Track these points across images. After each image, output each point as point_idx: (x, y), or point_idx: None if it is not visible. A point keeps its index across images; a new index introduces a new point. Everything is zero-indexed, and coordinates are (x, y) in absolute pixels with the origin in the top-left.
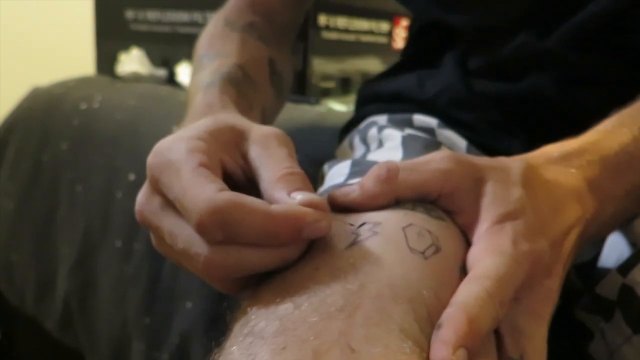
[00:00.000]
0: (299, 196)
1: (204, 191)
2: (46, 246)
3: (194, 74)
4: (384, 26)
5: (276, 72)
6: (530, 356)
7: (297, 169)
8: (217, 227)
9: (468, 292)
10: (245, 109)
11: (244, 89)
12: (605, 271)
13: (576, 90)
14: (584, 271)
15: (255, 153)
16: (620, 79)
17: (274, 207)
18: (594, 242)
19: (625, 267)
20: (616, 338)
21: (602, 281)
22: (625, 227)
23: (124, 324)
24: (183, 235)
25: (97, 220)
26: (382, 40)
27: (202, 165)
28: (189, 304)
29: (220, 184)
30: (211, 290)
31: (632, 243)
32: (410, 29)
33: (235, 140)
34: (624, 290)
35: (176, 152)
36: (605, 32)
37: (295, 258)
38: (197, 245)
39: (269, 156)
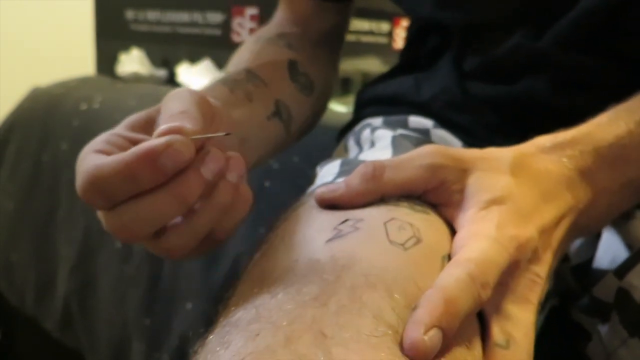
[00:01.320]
0: (159, 129)
1: (80, 170)
2: (46, 246)
3: None
4: (384, 26)
5: (299, 72)
6: (517, 341)
7: (176, 110)
8: (94, 196)
9: (448, 275)
10: (239, 99)
11: (243, 85)
12: (601, 272)
13: (572, 93)
14: (580, 272)
15: (160, 120)
16: (617, 82)
17: (126, 152)
18: (589, 237)
19: (621, 270)
20: (613, 340)
21: (599, 283)
22: (620, 227)
23: (124, 325)
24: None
25: (97, 221)
26: (382, 40)
27: (95, 151)
28: (189, 305)
29: (92, 159)
30: (211, 291)
31: (628, 244)
32: (408, 31)
33: (150, 121)
34: (621, 293)
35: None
36: (600, 33)
37: (190, 197)
38: (102, 218)
39: (163, 115)
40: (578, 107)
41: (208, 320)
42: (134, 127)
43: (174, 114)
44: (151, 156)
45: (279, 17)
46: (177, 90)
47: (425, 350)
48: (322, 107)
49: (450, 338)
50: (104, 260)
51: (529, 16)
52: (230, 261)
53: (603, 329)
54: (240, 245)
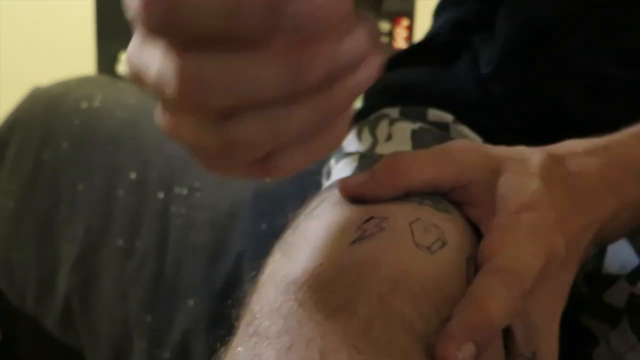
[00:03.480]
0: None
1: None
2: (47, 245)
3: None
4: (385, 26)
5: None
6: (543, 354)
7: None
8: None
9: (484, 285)
10: None
11: None
12: (611, 278)
13: (602, 104)
14: (591, 279)
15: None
16: None
17: None
18: (602, 246)
19: (634, 277)
20: (621, 346)
21: (611, 289)
22: (630, 234)
23: (126, 322)
24: (154, 60)
25: (98, 219)
26: (383, 40)
27: None
28: (190, 302)
29: None
30: (213, 287)
31: (638, 251)
32: (434, 19)
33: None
34: (633, 299)
35: None
36: None
37: (316, 76)
38: (168, 62)
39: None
40: (606, 117)
41: (211, 317)
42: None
43: None
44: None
45: None
46: None
47: None
48: None
49: (484, 352)
50: (106, 259)
51: (582, 28)
52: (232, 258)
53: (612, 334)
54: (242, 242)
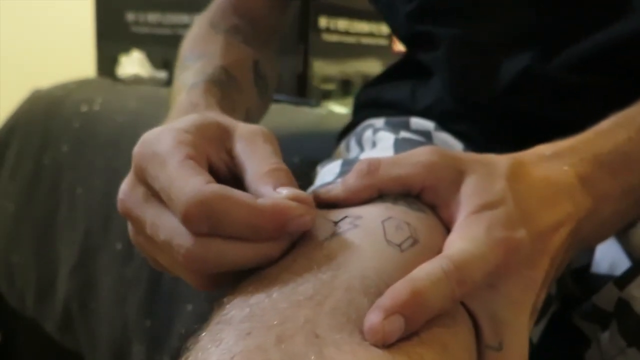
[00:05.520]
0: (285, 191)
1: (192, 182)
2: (47, 248)
3: (178, 75)
4: (385, 28)
5: (260, 74)
6: (510, 343)
7: (283, 165)
8: (203, 218)
9: (420, 269)
10: (228, 111)
11: (227, 90)
12: (600, 278)
13: (573, 107)
14: (579, 276)
15: (241, 148)
16: (620, 95)
17: (260, 201)
18: (592, 246)
19: (622, 281)
20: (611, 349)
21: (600, 292)
22: (620, 234)
23: (125, 327)
24: (166, 226)
25: (97, 223)
26: (383, 42)
27: (189, 157)
28: (189, 307)
29: (207, 176)
30: (212, 292)
31: (628, 252)
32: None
33: (221, 136)
34: (621, 303)
35: (163, 143)
36: (617, 56)
37: (276, 256)
38: (180, 237)
39: (255, 151)
40: (578, 118)
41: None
42: (206, 136)
43: (279, 167)
44: (284, 219)
45: (221, 4)
46: (259, 129)
47: (383, 335)
48: (266, 111)
49: (416, 328)
50: (105, 262)
51: (537, 38)
52: None
53: (602, 336)
54: None
